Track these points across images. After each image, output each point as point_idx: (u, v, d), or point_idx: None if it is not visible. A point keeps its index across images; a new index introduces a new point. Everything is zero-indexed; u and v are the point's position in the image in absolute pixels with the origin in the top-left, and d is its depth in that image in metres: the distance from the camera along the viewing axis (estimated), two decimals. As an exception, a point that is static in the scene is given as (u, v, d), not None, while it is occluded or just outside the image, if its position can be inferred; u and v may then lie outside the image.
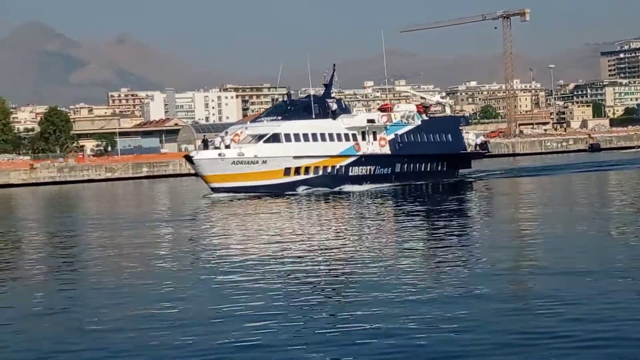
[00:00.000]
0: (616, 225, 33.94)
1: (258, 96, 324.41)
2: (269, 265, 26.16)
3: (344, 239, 33.83)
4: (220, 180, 66.43)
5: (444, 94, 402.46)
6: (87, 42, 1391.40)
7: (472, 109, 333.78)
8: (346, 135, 73.36)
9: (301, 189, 67.96)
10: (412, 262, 25.41)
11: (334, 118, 73.62)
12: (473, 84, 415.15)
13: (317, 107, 72.85)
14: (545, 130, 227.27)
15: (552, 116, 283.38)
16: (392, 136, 76.80)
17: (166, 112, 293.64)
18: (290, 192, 66.76)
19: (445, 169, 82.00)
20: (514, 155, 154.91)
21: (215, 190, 66.55)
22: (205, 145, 71.09)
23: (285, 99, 79.64)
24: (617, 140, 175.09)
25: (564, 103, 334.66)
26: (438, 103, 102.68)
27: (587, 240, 29.18)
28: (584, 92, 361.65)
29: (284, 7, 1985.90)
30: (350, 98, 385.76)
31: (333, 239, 33.60)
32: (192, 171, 75.24)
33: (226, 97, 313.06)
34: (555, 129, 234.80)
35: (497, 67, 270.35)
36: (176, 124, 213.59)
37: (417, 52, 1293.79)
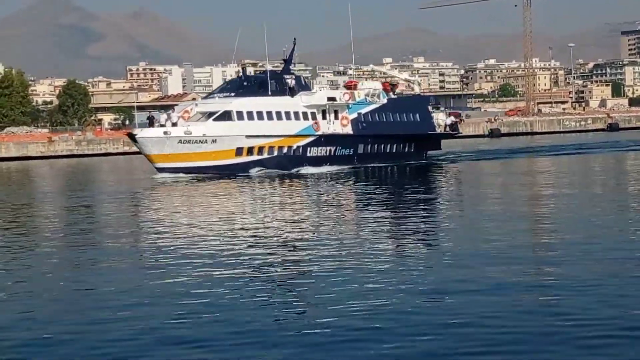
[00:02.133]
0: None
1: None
2: (214, 254, 23.90)
3: (296, 226, 30.72)
4: (165, 160, 62.16)
5: (464, 71, 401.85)
6: (105, 15, 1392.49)
7: (491, 87, 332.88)
8: (304, 113, 69.10)
9: (254, 171, 64.03)
10: (374, 253, 23.35)
11: (292, 95, 69.19)
12: (492, 61, 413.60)
13: (274, 83, 68.90)
14: (563, 109, 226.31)
15: (571, 95, 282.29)
16: (354, 115, 72.65)
17: (184, 86, 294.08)
18: (242, 174, 62.51)
19: (412, 150, 77.65)
20: (532, 134, 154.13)
21: (160, 170, 62.09)
22: (151, 122, 67.11)
23: (240, 74, 73.67)
24: (635, 120, 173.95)
25: (583, 82, 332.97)
26: (406, 81, 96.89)
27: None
28: (604, 72, 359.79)
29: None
30: (369, 75, 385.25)
31: (282, 226, 30.73)
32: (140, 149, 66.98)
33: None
34: (574, 108, 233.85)
35: (516, 45, 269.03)
36: (194, 99, 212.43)
37: (436, 29, 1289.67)
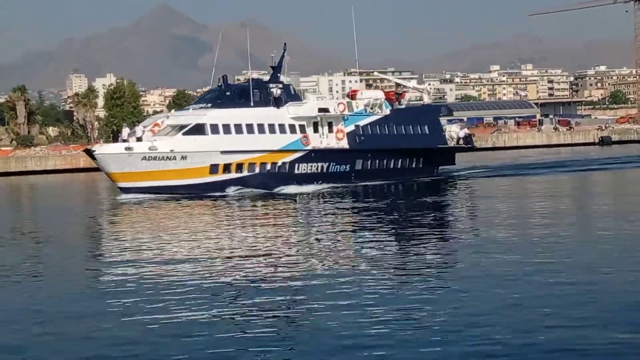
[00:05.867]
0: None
1: (382, 80, 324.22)
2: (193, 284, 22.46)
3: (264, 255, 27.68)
4: (129, 179, 56.08)
5: (573, 78, 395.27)
6: (215, 26, 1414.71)
7: (601, 94, 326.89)
8: (292, 126, 62.00)
9: (232, 190, 57.64)
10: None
11: (278, 106, 62.04)
12: (602, 68, 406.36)
13: (258, 93, 61.88)
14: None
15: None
16: (351, 128, 65.35)
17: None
18: (217, 194, 56.22)
19: (420, 165, 70.20)
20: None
21: (124, 190, 56.39)
22: (115, 137, 60.81)
23: (221, 83, 64.61)
24: None
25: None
26: (415, 89, 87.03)
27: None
28: None
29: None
30: (475, 83, 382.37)
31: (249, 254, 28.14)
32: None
33: (350, 82, 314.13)
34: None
35: (627, 52, 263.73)
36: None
37: (546, 35, 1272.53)
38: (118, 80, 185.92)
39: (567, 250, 26.35)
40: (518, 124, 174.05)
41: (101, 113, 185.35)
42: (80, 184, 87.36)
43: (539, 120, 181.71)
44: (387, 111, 68.81)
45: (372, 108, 67.91)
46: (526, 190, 54.98)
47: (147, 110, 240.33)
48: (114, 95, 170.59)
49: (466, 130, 79.82)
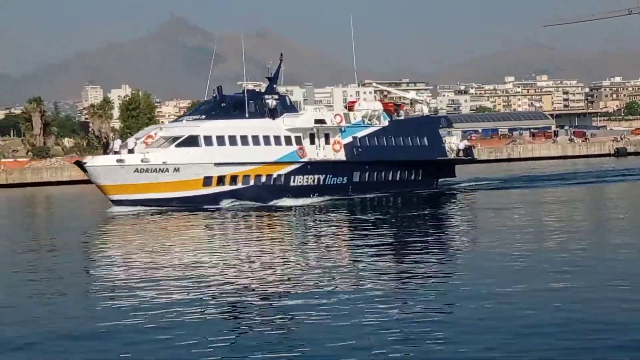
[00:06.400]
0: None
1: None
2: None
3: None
4: (121, 192, 55.18)
5: (588, 89, 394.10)
6: (228, 36, 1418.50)
7: (617, 105, 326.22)
8: (287, 137, 61.02)
9: (226, 203, 56.81)
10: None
11: (273, 117, 61.16)
12: (618, 79, 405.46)
13: (253, 104, 61.23)
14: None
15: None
16: (349, 139, 64.44)
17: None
18: (211, 207, 55.32)
19: (419, 178, 69.29)
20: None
21: (116, 203, 55.45)
22: (106, 148, 59.63)
23: (215, 94, 63.32)
24: None
25: None
26: (414, 101, 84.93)
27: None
28: None
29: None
30: (490, 94, 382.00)
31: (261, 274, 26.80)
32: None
33: (364, 92, 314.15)
34: None
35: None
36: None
37: (560, 46, 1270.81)
38: (133, 92, 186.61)
39: (569, 263, 25.91)
40: (533, 135, 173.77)
41: (117, 124, 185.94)
42: (94, 195, 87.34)
43: (554, 131, 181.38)
44: (385, 122, 67.80)
45: (370, 119, 66.90)
46: (530, 203, 53.45)
47: (163, 121, 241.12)
48: (129, 107, 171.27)
49: (466, 142, 78.92)
